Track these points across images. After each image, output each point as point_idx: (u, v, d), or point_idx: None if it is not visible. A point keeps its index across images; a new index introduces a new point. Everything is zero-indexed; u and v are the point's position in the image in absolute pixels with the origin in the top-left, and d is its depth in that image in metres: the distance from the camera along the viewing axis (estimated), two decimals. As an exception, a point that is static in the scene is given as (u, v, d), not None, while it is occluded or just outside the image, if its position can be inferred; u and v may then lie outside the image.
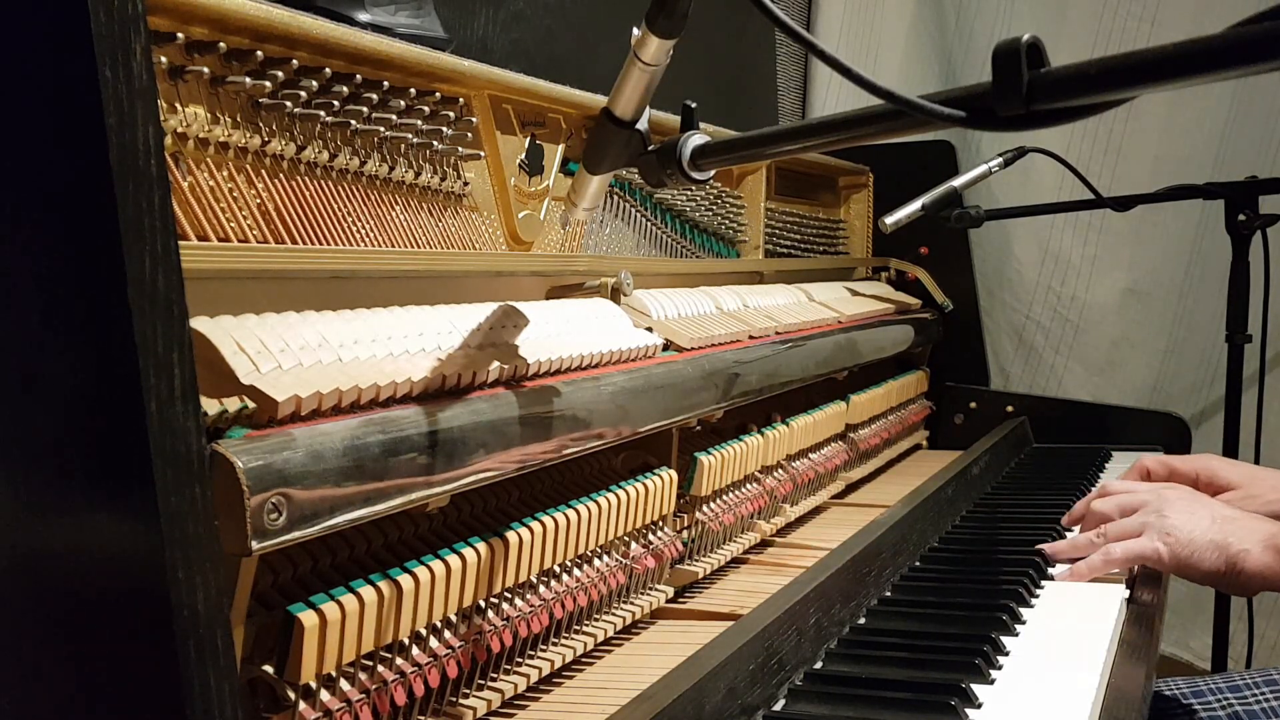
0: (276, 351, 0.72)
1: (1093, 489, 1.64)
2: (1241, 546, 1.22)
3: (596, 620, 1.03)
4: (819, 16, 2.64)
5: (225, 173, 0.82)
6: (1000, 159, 1.96)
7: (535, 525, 0.93)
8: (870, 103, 0.68)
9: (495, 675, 0.89)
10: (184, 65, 0.79)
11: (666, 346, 1.20)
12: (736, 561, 1.32)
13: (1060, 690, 0.97)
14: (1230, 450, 2.01)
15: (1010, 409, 2.20)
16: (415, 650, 0.80)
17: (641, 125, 0.88)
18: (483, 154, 1.08)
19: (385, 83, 0.96)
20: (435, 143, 1.01)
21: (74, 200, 0.53)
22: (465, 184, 1.06)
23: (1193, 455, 1.63)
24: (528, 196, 1.15)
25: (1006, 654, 1.05)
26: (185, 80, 0.79)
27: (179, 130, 0.79)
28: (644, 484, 1.09)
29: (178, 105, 0.79)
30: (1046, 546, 1.36)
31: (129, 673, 0.55)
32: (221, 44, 0.81)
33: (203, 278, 0.76)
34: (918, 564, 1.34)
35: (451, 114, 1.04)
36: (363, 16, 1.10)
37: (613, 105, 0.88)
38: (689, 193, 1.50)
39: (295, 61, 0.87)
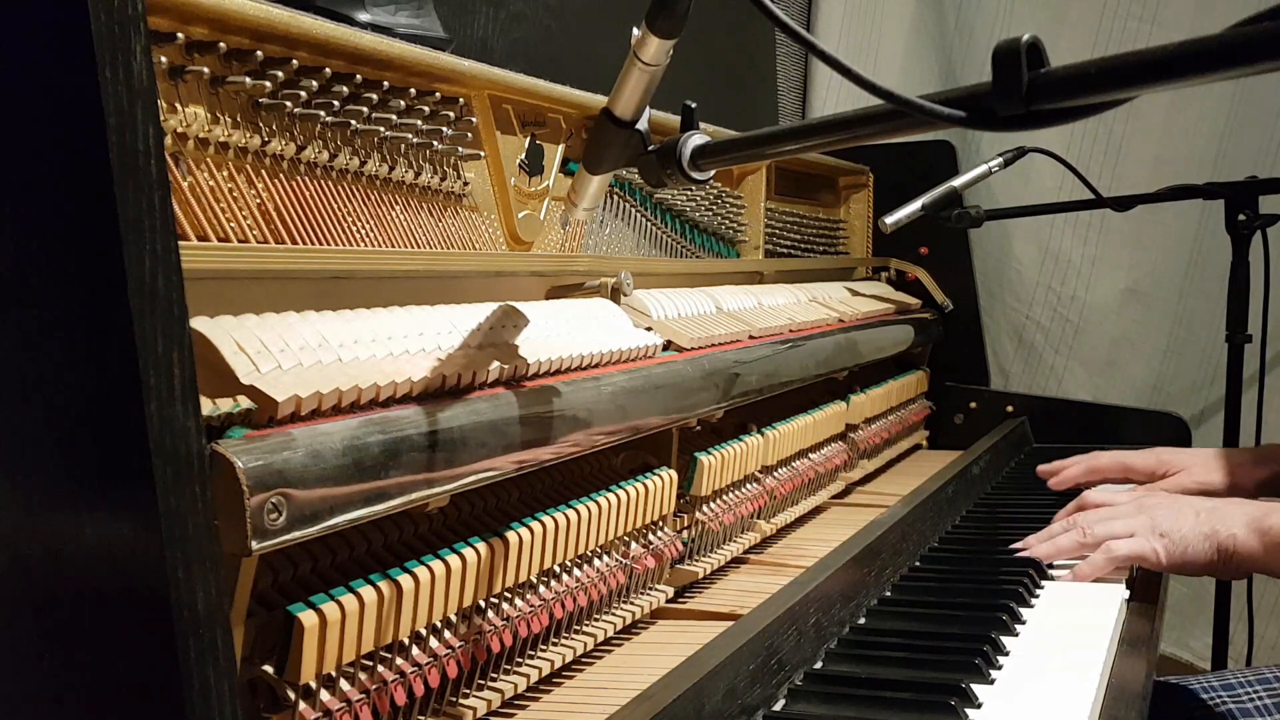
0: (276, 351, 0.72)
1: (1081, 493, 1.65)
2: (1229, 531, 1.25)
3: (596, 620, 1.03)
4: (819, 16, 2.64)
5: (225, 173, 0.82)
6: (1000, 159, 1.96)
7: (535, 525, 0.93)
8: (870, 103, 0.68)
9: (495, 675, 0.89)
10: (184, 65, 0.79)
11: (667, 346, 1.20)
12: (736, 561, 1.32)
13: (1060, 690, 0.97)
14: (1231, 451, 2.01)
15: (1010, 409, 2.20)
16: (415, 650, 0.80)
17: (641, 125, 0.88)
18: (483, 154, 1.08)
19: (385, 83, 0.96)
20: (435, 143, 1.01)
21: (74, 201, 0.53)
22: (465, 184, 1.06)
23: (1144, 450, 1.67)
24: (528, 196, 1.15)
25: (1006, 654, 1.05)
26: (185, 80, 0.79)
27: (179, 130, 0.79)
28: (644, 484, 1.09)
29: (178, 105, 0.79)
30: (1024, 546, 1.35)
31: (129, 673, 0.55)
32: (221, 44, 0.81)
33: (203, 278, 0.76)
34: (918, 564, 1.34)
35: (451, 114, 1.04)
36: (363, 16, 1.10)
37: (613, 105, 0.88)
38: (689, 193, 1.50)
39: (295, 61, 0.87)
